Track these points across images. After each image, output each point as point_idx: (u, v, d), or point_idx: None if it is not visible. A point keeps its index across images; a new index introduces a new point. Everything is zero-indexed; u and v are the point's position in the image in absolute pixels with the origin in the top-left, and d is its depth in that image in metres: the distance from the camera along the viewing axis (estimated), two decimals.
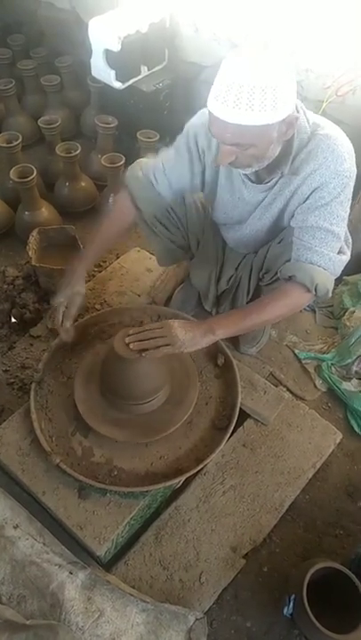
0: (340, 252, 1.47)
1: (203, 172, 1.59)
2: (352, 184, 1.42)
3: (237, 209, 1.63)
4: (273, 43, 1.28)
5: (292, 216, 1.50)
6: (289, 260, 1.50)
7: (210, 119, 1.28)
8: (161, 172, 1.57)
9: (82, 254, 1.71)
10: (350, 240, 1.59)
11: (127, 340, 1.42)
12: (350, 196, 1.44)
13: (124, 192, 1.65)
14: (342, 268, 1.49)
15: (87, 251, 1.68)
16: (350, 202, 1.45)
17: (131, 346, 1.41)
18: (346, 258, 1.49)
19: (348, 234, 1.56)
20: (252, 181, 1.53)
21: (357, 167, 1.45)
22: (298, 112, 1.36)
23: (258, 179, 1.53)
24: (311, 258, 1.42)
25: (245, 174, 1.52)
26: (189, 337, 1.41)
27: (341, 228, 1.43)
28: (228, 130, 1.25)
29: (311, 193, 1.42)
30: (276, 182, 1.49)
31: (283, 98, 1.22)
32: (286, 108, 1.24)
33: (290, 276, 1.45)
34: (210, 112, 1.26)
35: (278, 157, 1.39)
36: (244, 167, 1.38)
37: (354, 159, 1.41)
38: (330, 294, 1.47)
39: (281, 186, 1.49)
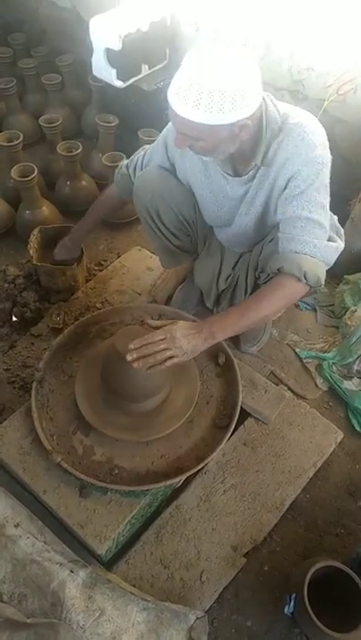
0: (328, 240, 1.46)
1: (173, 169, 1.71)
2: (326, 170, 1.42)
3: (224, 207, 1.64)
4: (238, 42, 1.34)
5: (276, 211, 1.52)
6: None
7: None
8: (140, 166, 1.77)
9: (78, 227, 2.07)
10: (342, 231, 1.59)
11: (129, 357, 1.36)
12: (327, 182, 1.44)
13: (112, 185, 1.93)
14: (335, 256, 1.48)
15: (81, 225, 2.05)
16: (328, 188, 1.45)
17: (134, 364, 1.36)
18: (336, 245, 1.48)
19: (339, 225, 1.57)
20: (231, 175, 1.55)
21: (358, 165, 1.45)
22: (266, 104, 1.39)
23: (236, 172, 1.54)
24: (295, 247, 1.42)
25: (223, 169, 1.54)
26: (192, 346, 1.39)
27: (321, 215, 1.42)
28: (178, 119, 1.30)
29: (287, 183, 1.43)
30: (255, 175, 1.50)
31: (237, 103, 1.24)
32: (239, 112, 1.26)
33: (278, 269, 1.44)
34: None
35: (251, 149, 1.42)
36: (201, 155, 1.45)
37: (327, 145, 1.42)
38: (322, 282, 1.45)
39: (260, 179, 1.50)
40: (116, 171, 1.88)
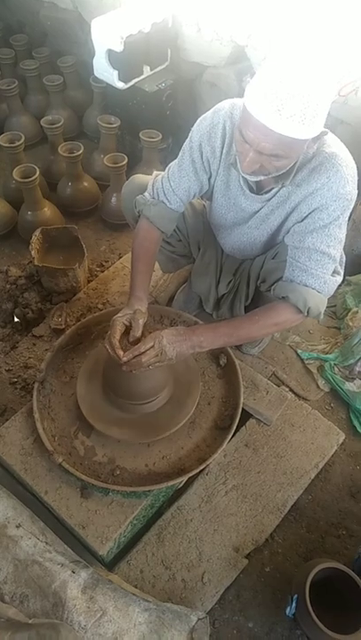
0: (334, 273, 1.46)
1: (210, 179, 1.58)
2: (352, 206, 1.40)
3: (231, 213, 1.63)
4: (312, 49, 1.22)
5: (288, 232, 1.50)
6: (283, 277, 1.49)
7: (248, 124, 1.21)
8: (170, 191, 1.56)
9: (133, 287, 1.58)
10: (344, 259, 1.59)
11: (124, 368, 1.42)
12: (348, 219, 1.42)
13: (142, 220, 1.61)
14: (335, 289, 1.49)
15: (137, 280, 1.58)
16: (346, 223, 1.44)
17: (123, 368, 1.42)
18: (339, 279, 1.49)
19: (343, 253, 1.55)
20: (251, 191, 1.52)
21: (360, 166, 1.44)
22: None
23: (258, 188, 1.51)
24: (306, 280, 1.42)
25: (246, 183, 1.50)
26: (177, 352, 1.43)
27: (337, 251, 1.43)
28: (271, 140, 1.20)
29: (310, 213, 1.41)
30: (275, 194, 1.47)
31: (324, 113, 1.19)
32: (322, 123, 1.22)
33: (283, 297, 1.45)
34: (252, 116, 1.19)
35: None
36: (259, 175, 1.35)
37: (356, 181, 1.39)
38: (321, 316, 1.47)
39: (280, 199, 1.47)
40: (145, 209, 1.59)
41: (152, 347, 1.41)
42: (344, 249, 1.64)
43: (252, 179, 1.38)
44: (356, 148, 1.42)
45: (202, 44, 2.52)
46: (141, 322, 1.47)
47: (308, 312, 1.42)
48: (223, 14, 2.34)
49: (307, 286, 1.42)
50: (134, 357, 1.41)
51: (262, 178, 1.36)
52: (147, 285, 1.62)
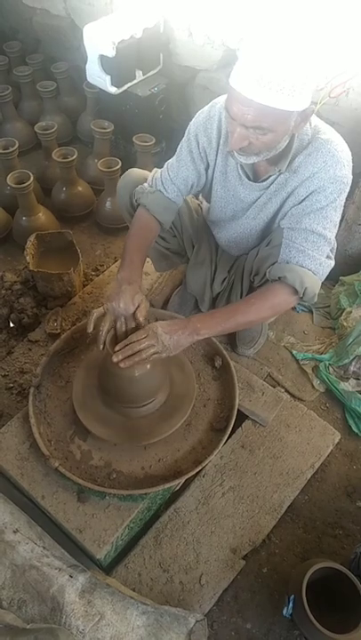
0: (327, 257, 1.48)
1: (207, 169, 1.60)
2: (348, 190, 1.43)
3: (230, 205, 1.64)
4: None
5: (284, 216, 1.51)
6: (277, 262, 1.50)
7: (231, 98, 1.25)
8: (168, 180, 1.59)
9: (126, 275, 1.51)
10: (335, 246, 1.60)
11: (114, 359, 1.39)
12: (343, 202, 1.45)
13: (140, 209, 1.63)
14: (327, 273, 1.50)
15: (131, 271, 1.52)
16: (343, 208, 1.46)
17: (121, 364, 1.39)
18: (332, 263, 1.50)
19: (335, 240, 1.57)
20: (249, 179, 1.54)
21: (354, 169, 1.46)
22: None
23: (255, 176, 1.53)
24: (303, 261, 1.43)
25: (243, 170, 1.52)
26: (174, 341, 1.40)
27: (332, 233, 1.45)
28: (252, 110, 1.22)
29: (308, 195, 1.43)
30: (273, 182, 1.49)
31: (308, 88, 1.22)
32: (309, 98, 1.24)
33: (279, 277, 1.45)
34: (233, 89, 1.22)
35: (280, 154, 1.40)
36: (250, 155, 1.35)
37: (351, 167, 1.42)
38: (315, 299, 1.48)
39: (277, 186, 1.50)
40: (143, 198, 1.61)
41: (145, 337, 1.38)
42: (337, 250, 1.66)
43: (246, 161, 1.38)
44: (349, 147, 1.44)
45: (194, 48, 2.53)
46: (146, 304, 1.43)
47: (304, 293, 1.43)
48: (214, 18, 2.36)
49: (303, 267, 1.43)
50: (127, 345, 1.37)
51: (255, 159, 1.37)
52: (142, 263, 1.56)
